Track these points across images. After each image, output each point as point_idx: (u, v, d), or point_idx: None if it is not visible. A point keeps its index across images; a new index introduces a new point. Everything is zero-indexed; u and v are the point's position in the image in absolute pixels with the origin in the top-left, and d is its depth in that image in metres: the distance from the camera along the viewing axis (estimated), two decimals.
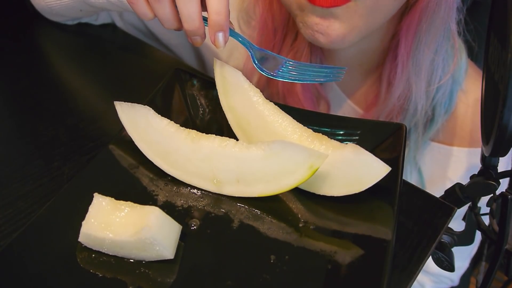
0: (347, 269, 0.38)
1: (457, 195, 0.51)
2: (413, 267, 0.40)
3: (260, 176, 0.43)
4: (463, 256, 0.75)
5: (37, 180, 0.51)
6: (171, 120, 0.47)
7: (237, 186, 0.44)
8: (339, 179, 0.42)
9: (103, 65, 0.73)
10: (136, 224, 0.39)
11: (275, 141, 0.42)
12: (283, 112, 0.48)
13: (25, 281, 0.38)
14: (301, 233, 0.41)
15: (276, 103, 0.49)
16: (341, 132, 0.49)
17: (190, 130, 0.46)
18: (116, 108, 0.48)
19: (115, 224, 0.39)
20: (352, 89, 0.73)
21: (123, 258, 0.39)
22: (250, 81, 0.48)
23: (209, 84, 0.53)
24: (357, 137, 0.48)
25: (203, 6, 0.43)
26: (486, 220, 0.51)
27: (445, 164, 0.70)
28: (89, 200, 0.40)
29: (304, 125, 0.47)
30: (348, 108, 0.73)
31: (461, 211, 0.51)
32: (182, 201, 0.44)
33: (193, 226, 0.42)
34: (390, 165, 0.40)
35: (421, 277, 0.77)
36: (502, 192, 0.47)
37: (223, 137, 0.45)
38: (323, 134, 0.47)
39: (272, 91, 0.72)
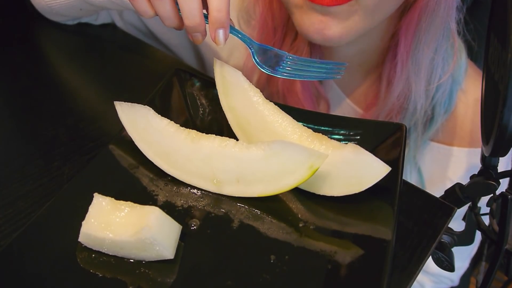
0: (347, 269, 0.38)
1: (457, 195, 0.51)
2: (413, 267, 0.40)
3: (260, 176, 0.43)
4: (463, 256, 0.75)
5: (37, 180, 0.51)
6: (171, 120, 0.47)
7: (237, 186, 0.44)
8: (339, 179, 0.42)
9: (103, 65, 0.73)
10: (136, 224, 0.39)
11: (275, 141, 0.42)
12: (283, 112, 0.48)
13: (25, 281, 0.38)
14: (301, 233, 0.41)
15: (276, 103, 0.49)
16: (341, 132, 0.49)
17: (190, 130, 0.46)
18: (116, 108, 0.48)
19: (115, 224, 0.39)
20: (352, 88, 0.73)
21: (123, 258, 0.39)
22: (250, 80, 0.48)
23: (209, 84, 0.53)
24: (357, 137, 0.48)
25: (204, 4, 0.43)
26: (486, 220, 0.51)
27: (445, 164, 0.70)
28: (89, 200, 0.40)
29: (304, 125, 0.47)
30: (347, 108, 0.73)
31: (461, 211, 0.51)
32: (182, 201, 0.44)
33: (193, 226, 0.42)
34: (390, 165, 0.40)
35: (421, 277, 0.77)
36: (502, 192, 0.47)
37: (223, 137, 0.45)
38: (323, 134, 0.47)
39: (272, 90, 0.72)
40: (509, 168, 0.49)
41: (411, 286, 0.39)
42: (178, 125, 0.47)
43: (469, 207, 0.53)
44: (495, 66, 0.45)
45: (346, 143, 0.44)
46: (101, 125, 0.59)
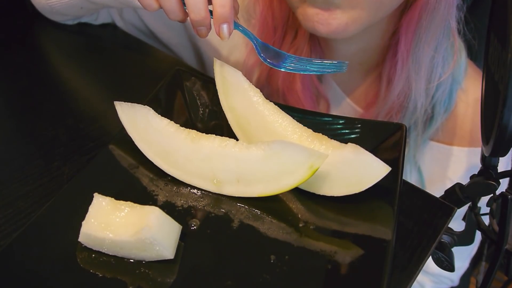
0: (347, 269, 0.38)
1: (457, 195, 0.51)
2: (413, 267, 0.40)
3: (260, 176, 0.43)
4: (463, 256, 0.75)
5: (37, 180, 0.51)
6: (171, 120, 0.47)
7: (237, 186, 0.44)
8: (339, 179, 0.42)
9: (103, 65, 0.73)
10: (136, 224, 0.39)
11: (275, 141, 0.42)
12: (283, 112, 0.48)
13: (25, 281, 0.38)
14: (301, 233, 0.41)
15: (276, 103, 0.49)
16: (341, 132, 0.49)
17: (190, 130, 0.46)
18: (116, 108, 0.48)
19: (115, 224, 0.39)
20: (352, 88, 0.73)
21: (123, 258, 0.39)
22: (250, 79, 0.49)
23: (209, 84, 0.53)
24: (357, 137, 0.48)
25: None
26: (486, 220, 0.51)
27: (445, 163, 0.70)
28: (89, 200, 0.40)
29: (304, 125, 0.47)
30: (347, 107, 0.73)
31: (461, 211, 0.50)
32: (182, 201, 0.44)
33: (193, 226, 0.42)
34: (390, 165, 0.40)
35: (421, 277, 0.77)
36: (502, 192, 0.47)
37: (223, 137, 0.45)
38: (323, 134, 0.47)
39: (272, 89, 0.72)
40: (509, 168, 0.49)
41: (411, 286, 0.39)
42: (178, 125, 0.47)
43: (469, 207, 0.53)
44: (495, 66, 0.45)
45: (346, 143, 0.44)
46: (101, 125, 0.59)
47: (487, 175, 0.48)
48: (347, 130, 0.49)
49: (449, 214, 0.44)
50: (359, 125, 0.48)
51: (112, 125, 0.56)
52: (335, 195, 0.42)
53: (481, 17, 0.59)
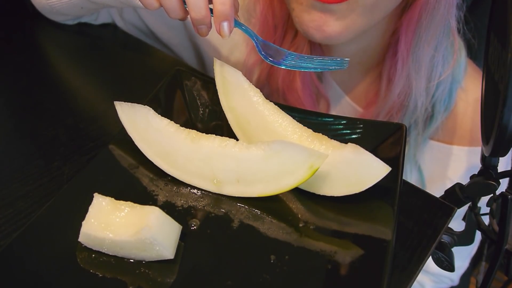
0: (347, 269, 0.38)
1: (457, 195, 0.51)
2: (413, 267, 0.40)
3: (260, 176, 0.43)
4: (463, 256, 0.75)
5: (37, 180, 0.51)
6: (171, 120, 0.47)
7: (237, 186, 0.44)
8: (339, 179, 0.42)
9: (103, 65, 0.73)
10: (136, 224, 0.39)
11: (275, 141, 0.42)
12: (283, 112, 0.48)
13: (25, 281, 0.38)
14: (301, 233, 0.41)
15: (276, 103, 0.49)
16: (341, 132, 0.49)
17: (190, 130, 0.46)
18: (116, 108, 0.48)
19: (115, 224, 0.39)
20: (352, 87, 0.73)
21: (123, 258, 0.39)
22: (250, 78, 0.49)
23: (209, 84, 0.53)
24: (357, 137, 0.48)
25: None
26: (486, 220, 0.51)
27: (445, 163, 0.70)
28: (89, 200, 0.40)
29: (304, 125, 0.47)
30: (347, 107, 0.73)
31: (461, 211, 0.50)
32: (182, 201, 0.44)
33: (193, 226, 0.42)
34: (390, 165, 0.40)
35: (421, 277, 0.77)
36: (502, 192, 0.47)
37: (223, 137, 0.45)
38: (323, 134, 0.47)
39: (272, 88, 0.72)
40: (509, 168, 0.49)
41: (411, 286, 0.39)
42: (178, 125, 0.47)
43: (469, 207, 0.53)
44: (495, 66, 0.45)
45: (346, 143, 0.44)
46: (101, 125, 0.59)
47: (487, 175, 0.48)
48: (347, 130, 0.49)
49: (449, 214, 0.44)
50: (359, 125, 0.48)
51: (112, 125, 0.56)
52: (335, 195, 0.42)
53: (481, 16, 0.59)
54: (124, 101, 0.48)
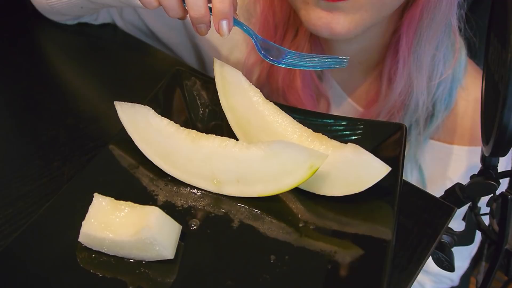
0: (347, 269, 0.38)
1: (457, 195, 0.51)
2: (413, 267, 0.40)
3: (260, 176, 0.43)
4: (463, 256, 0.75)
5: (37, 180, 0.51)
6: (171, 120, 0.47)
7: (237, 186, 0.44)
8: (339, 179, 0.42)
9: (103, 65, 0.73)
10: (136, 224, 0.39)
11: (275, 141, 0.42)
12: (283, 112, 0.48)
13: (25, 281, 0.38)
14: (301, 233, 0.41)
15: (276, 103, 0.49)
16: (341, 132, 0.49)
17: (190, 130, 0.46)
18: (116, 108, 0.48)
19: (115, 224, 0.39)
20: (352, 86, 0.73)
21: (123, 258, 0.39)
22: (251, 77, 0.49)
23: (209, 84, 0.53)
24: (357, 137, 0.48)
25: None
26: (486, 220, 0.51)
27: (445, 162, 0.70)
28: (89, 200, 0.40)
29: (304, 125, 0.47)
30: (348, 106, 0.73)
31: (461, 211, 0.51)
32: (182, 201, 0.44)
33: (193, 226, 0.42)
34: (390, 165, 0.40)
35: (421, 277, 0.77)
36: (502, 192, 0.47)
37: (223, 137, 0.45)
38: (323, 134, 0.47)
39: (272, 88, 0.72)
40: (509, 168, 0.49)
41: (411, 286, 0.39)
42: (178, 125, 0.47)
43: (469, 207, 0.53)
44: (495, 66, 0.45)
45: (346, 143, 0.44)
46: (101, 125, 0.59)
47: (487, 175, 0.48)
48: (347, 130, 0.49)
49: (449, 214, 0.44)
50: (359, 125, 0.48)
51: (112, 125, 0.56)
52: (335, 195, 0.42)
53: (481, 15, 0.59)
54: (124, 101, 0.48)
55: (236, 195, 0.44)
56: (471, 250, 0.76)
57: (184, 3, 0.45)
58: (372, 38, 0.64)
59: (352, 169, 0.41)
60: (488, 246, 0.54)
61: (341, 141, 0.45)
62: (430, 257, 0.47)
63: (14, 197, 0.48)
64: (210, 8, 0.45)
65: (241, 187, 0.44)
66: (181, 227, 0.41)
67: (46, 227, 0.41)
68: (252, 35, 0.48)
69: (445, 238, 0.50)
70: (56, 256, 0.39)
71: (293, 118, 0.48)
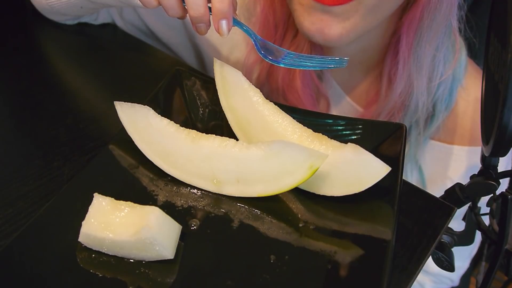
0: (347, 269, 0.38)
1: (457, 195, 0.51)
2: (413, 267, 0.40)
3: (260, 176, 0.43)
4: (463, 256, 0.75)
5: (37, 180, 0.51)
6: (171, 120, 0.47)
7: (237, 186, 0.44)
8: (339, 179, 0.42)
9: (103, 65, 0.73)
10: (136, 224, 0.39)
11: (275, 141, 0.42)
12: (283, 112, 0.48)
13: (25, 281, 0.38)
14: (301, 233, 0.41)
15: (276, 103, 0.49)
16: (341, 132, 0.49)
17: (190, 130, 0.46)
18: (116, 108, 0.48)
19: (115, 224, 0.39)
20: (352, 87, 0.73)
21: (123, 258, 0.39)
22: (250, 77, 0.49)
23: (209, 84, 0.53)
24: (357, 137, 0.48)
25: None
26: (486, 220, 0.51)
27: (445, 163, 0.70)
28: (89, 200, 0.40)
29: (304, 125, 0.47)
30: (347, 106, 0.73)
31: (461, 211, 0.51)
32: (182, 201, 0.44)
33: (193, 226, 0.42)
34: (390, 165, 0.40)
35: (421, 277, 0.77)
36: (502, 192, 0.47)
37: (223, 137, 0.45)
38: (323, 134, 0.47)
39: (272, 87, 0.72)
40: (509, 168, 0.49)
41: (411, 286, 0.39)
42: (178, 125, 0.47)
43: (469, 207, 0.53)
44: (495, 66, 0.45)
45: (346, 143, 0.44)
46: (101, 125, 0.59)
47: (487, 175, 0.48)
48: (347, 129, 0.49)
49: (449, 214, 0.44)
50: (359, 125, 0.48)
51: (112, 125, 0.56)
52: (335, 195, 0.42)
53: (481, 15, 0.59)
54: (124, 101, 0.48)
55: (236, 195, 0.44)
56: (471, 250, 0.76)
57: (184, 2, 0.45)
58: (372, 39, 0.64)
59: (352, 169, 0.41)
60: (488, 246, 0.55)
61: (341, 141, 0.45)
62: (430, 257, 0.47)
63: (14, 197, 0.48)
64: (210, 8, 0.45)
65: (241, 187, 0.44)
66: (181, 227, 0.41)
67: (46, 227, 0.41)
68: (252, 35, 0.48)
69: (445, 238, 0.50)
70: (56, 256, 0.39)
71: (293, 118, 0.48)
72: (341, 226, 0.41)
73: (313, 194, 0.44)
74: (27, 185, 0.50)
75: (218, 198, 0.45)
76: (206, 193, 0.45)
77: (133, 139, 0.48)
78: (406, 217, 0.44)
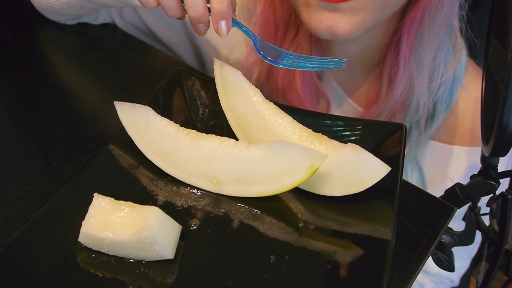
0: (347, 269, 0.38)
1: (457, 195, 0.51)
2: (413, 267, 0.40)
3: (260, 176, 0.43)
4: (463, 256, 0.75)
5: (37, 180, 0.51)
6: (171, 120, 0.47)
7: (237, 186, 0.44)
8: (339, 179, 0.42)
9: (103, 65, 0.73)
10: (136, 224, 0.39)
11: (275, 141, 0.42)
12: (283, 112, 0.48)
13: (25, 281, 0.38)
14: (301, 233, 0.41)
15: (276, 103, 0.49)
16: (341, 133, 0.49)
17: (190, 130, 0.46)
18: (116, 108, 0.48)
19: (115, 224, 0.39)
20: (352, 87, 0.72)
21: (123, 258, 0.39)
22: (250, 77, 0.49)
23: (209, 84, 0.53)
24: (357, 137, 0.48)
25: None
26: (486, 220, 0.51)
27: (446, 163, 0.70)
28: (89, 200, 0.40)
29: (304, 125, 0.47)
30: (347, 106, 0.73)
31: (461, 211, 0.50)
32: (182, 201, 0.44)
33: (193, 226, 0.42)
34: (390, 165, 0.40)
35: (421, 278, 0.77)
36: (502, 192, 0.47)
37: (223, 137, 0.45)
38: (323, 134, 0.47)
39: (272, 87, 0.72)
40: (509, 168, 0.49)
41: (411, 286, 0.39)
42: (178, 125, 0.47)
43: (469, 207, 0.53)
44: (495, 66, 0.45)
45: (346, 143, 0.44)
46: (101, 125, 0.59)
47: (487, 175, 0.48)
48: (347, 129, 0.49)
49: (449, 214, 0.44)
50: (359, 125, 0.48)
51: (112, 125, 0.56)
52: (335, 195, 0.42)
53: (482, 15, 0.59)
54: (124, 101, 0.48)
55: (236, 195, 0.44)
56: (471, 250, 0.76)
57: (183, 3, 0.45)
58: (373, 38, 0.64)
59: (352, 169, 0.41)
60: (488, 246, 0.55)
61: (341, 141, 0.45)
62: (430, 257, 0.47)
63: (14, 197, 0.48)
64: (209, 8, 0.45)
65: (241, 187, 0.44)
66: (181, 227, 0.41)
67: (46, 227, 0.41)
68: (251, 35, 0.48)
69: (445, 238, 0.50)
70: (56, 256, 0.39)
71: (293, 118, 0.48)
72: (341, 226, 0.41)
73: (313, 194, 0.44)
74: (27, 185, 0.50)
75: (218, 198, 0.45)
76: (206, 193, 0.45)
77: (133, 139, 0.48)
78: (406, 217, 0.44)
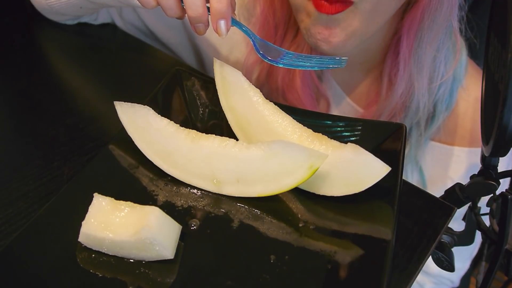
0: (347, 269, 0.38)
1: (457, 195, 0.51)
2: (413, 267, 0.40)
3: (260, 176, 0.43)
4: (463, 257, 0.75)
5: (37, 180, 0.51)
6: (171, 120, 0.47)
7: (237, 186, 0.44)
8: (339, 179, 0.42)
9: (103, 65, 0.73)
10: (136, 224, 0.39)
11: (275, 141, 0.42)
12: (283, 112, 0.48)
13: (25, 281, 0.38)
14: (301, 233, 0.41)
15: (276, 103, 0.49)
16: (341, 133, 0.49)
17: (190, 130, 0.46)
18: (116, 108, 0.48)
19: (115, 224, 0.39)
20: (352, 87, 0.73)
21: (123, 258, 0.39)
22: (250, 77, 0.49)
23: (209, 84, 0.53)
24: (357, 137, 0.48)
25: None
26: (486, 220, 0.51)
27: (446, 164, 0.70)
28: (89, 200, 0.40)
29: (304, 125, 0.47)
30: (347, 107, 0.73)
31: (461, 211, 0.50)
32: (182, 201, 0.44)
33: (193, 226, 0.42)
34: (390, 165, 0.40)
35: (421, 278, 0.77)
36: (502, 192, 0.47)
37: (223, 137, 0.45)
38: (323, 134, 0.47)
39: (272, 87, 0.72)
40: (509, 168, 0.49)
41: (411, 286, 0.39)
42: (178, 125, 0.47)
43: (469, 207, 0.53)
44: (495, 66, 0.45)
45: (346, 143, 0.44)
46: (101, 125, 0.59)
47: (487, 175, 0.48)
48: (347, 129, 0.49)
49: (449, 214, 0.44)
50: (359, 125, 0.48)
51: (112, 125, 0.56)
52: (335, 195, 0.42)
53: (482, 16, 0.59)
54: (124, 101, 0.48)
55: (236, 195, 0.44)
56: (471, 251, 0.76)
57: (182, 2, 0.45)
58: (373, 40, 0.64)
59: (352, 169, 0.41)
60: (488, 246, 0.55)
61: (341, 141, 0.45)
62: (430, 258, 0.47)
63: (14, 197, 0.49)
64: (209, 8, 0.45)
65: (241, 187, 0.44)
66: (181, 227, 0.41)
67: (46, 227, 0.41)
68: (251, 35, 0.48)
69: (445, 238, 0.50)
70: (56, 256, 0.39)
71: (293, 118, 0.48)
72: (341, 226, 0.41)
73: (313, 194, 0.44)
74: (27, 185, 0.50)
75: (218, 198, 0.45)
76: (206, 193, 0.45)
77: (133, 139, 0.48)
78: (406, 217, 0.44)
